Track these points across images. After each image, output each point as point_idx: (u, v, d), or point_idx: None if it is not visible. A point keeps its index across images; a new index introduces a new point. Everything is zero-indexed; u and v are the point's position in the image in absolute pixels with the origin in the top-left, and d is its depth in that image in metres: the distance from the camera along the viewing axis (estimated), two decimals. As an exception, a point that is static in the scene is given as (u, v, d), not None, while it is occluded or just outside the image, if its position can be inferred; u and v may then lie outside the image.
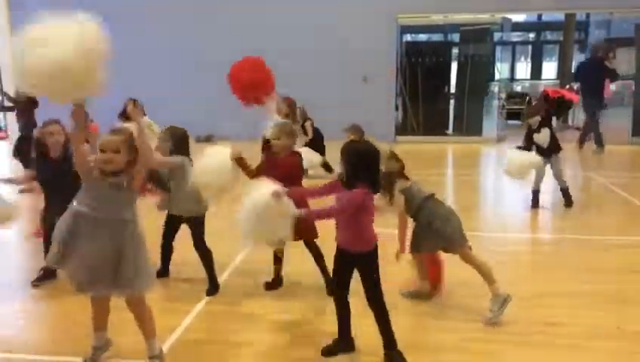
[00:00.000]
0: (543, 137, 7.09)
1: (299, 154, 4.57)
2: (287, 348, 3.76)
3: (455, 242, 4.17)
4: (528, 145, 7.22)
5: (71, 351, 3.65)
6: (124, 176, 3.20)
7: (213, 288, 4.63)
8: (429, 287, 4.48)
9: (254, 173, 4.30)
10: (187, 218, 4.61)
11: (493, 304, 4.07)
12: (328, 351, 3.62)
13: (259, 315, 4.26)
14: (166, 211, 4.78)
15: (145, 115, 7.99)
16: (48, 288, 4.81)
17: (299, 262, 4.75)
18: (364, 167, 3.34)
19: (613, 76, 12.20)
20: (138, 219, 3.32)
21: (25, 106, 7.88)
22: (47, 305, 4.58)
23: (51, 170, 4.65)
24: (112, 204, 3.18)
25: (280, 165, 4.30)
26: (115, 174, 3.18)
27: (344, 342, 3.64)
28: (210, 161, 4.28)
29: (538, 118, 7.16)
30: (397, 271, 4.28)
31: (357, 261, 3.46)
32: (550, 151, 7.22)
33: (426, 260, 4.46)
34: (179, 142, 4.56)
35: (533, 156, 6.94)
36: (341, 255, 3.51)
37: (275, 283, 4.74)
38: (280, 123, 4.64)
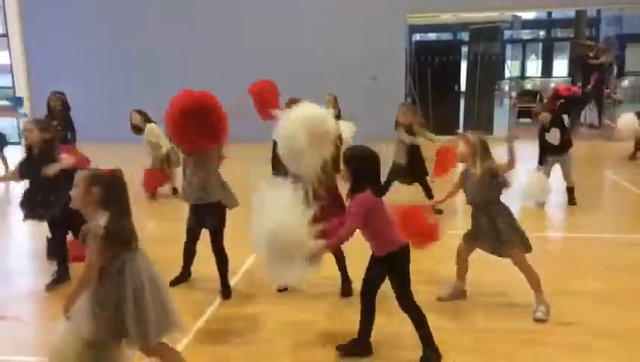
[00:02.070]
0: (553, 136, 7.09)
1: None
2: (299, 350, 3.76)
3: (513, 245, 4.13)
4: (541, 143, 7.22)
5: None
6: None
7: (225, 293, 4.66)
8: (464, 286, 4.46)
9: None
10: (207, 214, 4.59)
11: (539, 307, 4.09)
12: (344, 349, 3.62)
13: (271, 317, 4.27)
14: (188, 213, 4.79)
15: (151, 121, 8.02)
16: (60, 292, 4.84)
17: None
18: (367, 172, 3.42)
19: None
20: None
21: (60, 111, 8.00)
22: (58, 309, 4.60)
23: (34, 166, 4.82)
24: None
25: None
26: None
27: (361, 344, 3.61)
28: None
29: (549, 116, 7.14)
30: (419, 269, 4.28)
31: (385, 263, 3.47)
32: (561, 150, 7.19)
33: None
34: None
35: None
36: (372, 258, 3.55)
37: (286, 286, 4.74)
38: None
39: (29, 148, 4.90)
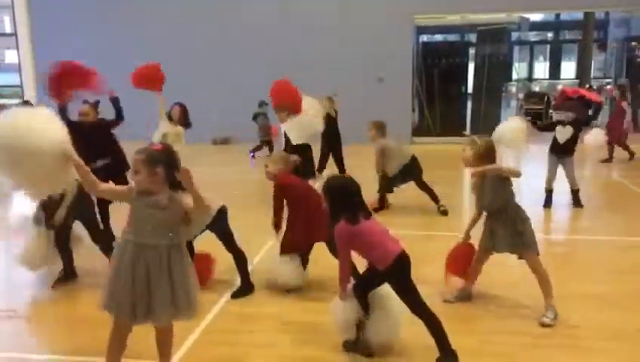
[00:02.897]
0: (565, 132, 7.10)
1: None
2: (304, 349, 3.77)
3: (531, 247, 4.13)
4: (547, 127, 7.34)
5: (88, 352, 3.70)
6: (163, 197, 3.06)
7: (245, 289, 4.67)
8: (471, 289, 4.46)
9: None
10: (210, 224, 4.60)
11: (547, 312, 4.07)
12: (349, 346, 3.66)
13: (277, 315, 4.28)
14: None
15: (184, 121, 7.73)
16: (66, 289, 4.88)
17: (323, 263, 4.77)
18: (341, 202, 3.49)
19: None
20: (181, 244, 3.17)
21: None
22: (65, 307, 4.64)
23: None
24: (150, 227, 3.05)
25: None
26: (150, 194, 3.06)
27: (362, 344, 3.63)
28: None
29: (572, 116, 7.14)
30: (430, 272, 4.28)
31: (383, 276, 3.48)
32: (564, 151, 7.19)
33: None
34: None
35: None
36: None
37: None
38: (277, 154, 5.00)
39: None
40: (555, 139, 7.25)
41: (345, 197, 3.50)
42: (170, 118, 7.67)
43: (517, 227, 4.10)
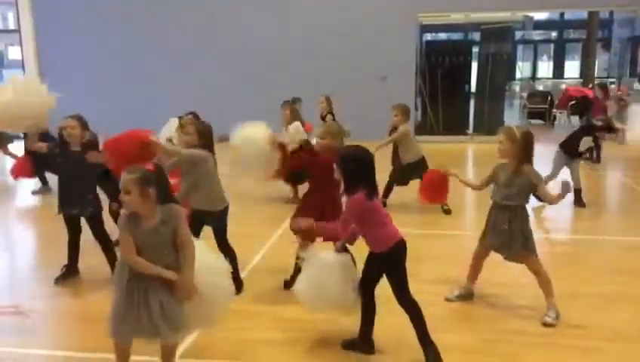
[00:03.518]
0: (587, 140, 7.19)
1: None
2: (304, 346, 3.76)
3: (534, 250, 4.11)
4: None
5: (90, 348, 3.70)
6: (155, 221, 3.03)
7: (236, 287, 4.66)
8: (473, 288, 4.44)
9: (287, 164, 4.52)
10: (206, 215, 4.62)
11: (552, 313, 4.04)
12: (347, 345, 3.66)
13: (277, 312, 4.28)
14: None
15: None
16: (68, 285, 4.88)
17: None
18: (359, 174, 3.40)
19: None
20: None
21: None
22: (68, 302, 4.65)
23: (70, 163, 4.74)
24: (145, 251, 3.03)
25: (320, 165, 4.37)
26: (140, 216, 3.03)
27: (363, 341, 3.63)
28: (253, 133, 4.55)
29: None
30: (426, 270, 4.28)
31: (380, 261, 3.48)
32: (572, 153, 7.18)
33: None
34: (205, 138, 4.54)
35: None
36: (369, 254, 3.56)
37: (294, 282, 4.74)
38: (327, 123, 4.73)
39: (64, 146, 4.79)
40: (572, 141, 7.23)
41: (364, 168, 3.42)
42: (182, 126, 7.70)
43: (524, 231, 4.05)
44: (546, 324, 4.00)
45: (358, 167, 3.42)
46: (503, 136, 4.06)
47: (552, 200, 4.04)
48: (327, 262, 3.66)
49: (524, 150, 3.98)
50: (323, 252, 3.78)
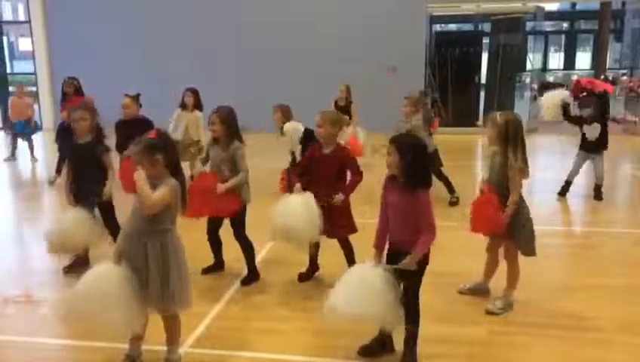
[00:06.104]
0: (592, 130, 7.07)
1: (347, 149, 4.60)
2: (310, 337, 3.77)
3: (527, 245, 4.05)
4: (574, 120, 7.21)
5: (99, 337, 3.71)
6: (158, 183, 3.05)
7: (249, 278, 4.69)
8: (488, 285, 4.36)
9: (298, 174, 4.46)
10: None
11: (500, 303, 4.05)
12: (366, 351, 3.47)
13: (284, 303, 4.28)
14: None
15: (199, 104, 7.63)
16: (79, 275, 4.88)
17: (335, 256, 4.76)
18: (423, 167, 3.15)
19: None
20: (173, 233, 3.18)
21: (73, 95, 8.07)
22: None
23: (79, 154, 4.77)
24: (140, 215, 3.08)
25: (324, 162, 4.34)
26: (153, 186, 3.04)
27: (381, 340, 3.48)
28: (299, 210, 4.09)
29: (589, 112, 7.07)
30: (436, 261, 4.25)
31: (422, 264, 3.29)
32: (596, 148, 7.13)
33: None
34: (230, 126, 4.46)
35: (560, 92, 7.05)
36: (394, 253, 3.31)
37: (308, 274, 4.76)
38: (325, 111, 4.52)
39: (74, 137, 4.81)
40: (584, 136, 7.18)
41: (424, 157, 3.15)
42: (183, 106, 7.63)
43: (527, 226, 3.99)
44: (488, 311, 4.01)
45: (420, 156, 3.13)
46: (488, 122, 4.03)
47: (513, 192, 3.87)
48: (374, 279, 3.15)
49: (505, 134, 3.89)
50: (367, 267, 3.28)
